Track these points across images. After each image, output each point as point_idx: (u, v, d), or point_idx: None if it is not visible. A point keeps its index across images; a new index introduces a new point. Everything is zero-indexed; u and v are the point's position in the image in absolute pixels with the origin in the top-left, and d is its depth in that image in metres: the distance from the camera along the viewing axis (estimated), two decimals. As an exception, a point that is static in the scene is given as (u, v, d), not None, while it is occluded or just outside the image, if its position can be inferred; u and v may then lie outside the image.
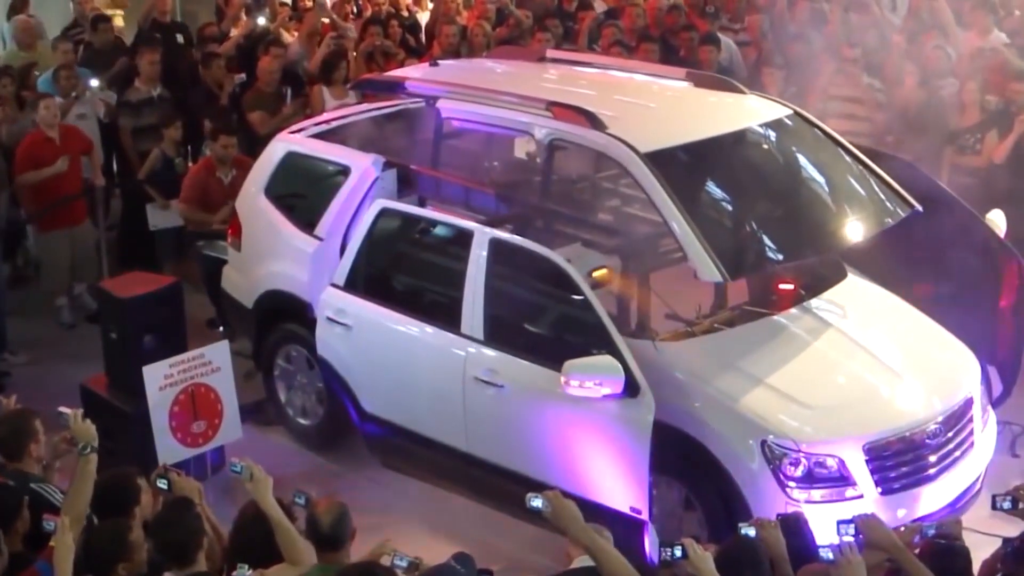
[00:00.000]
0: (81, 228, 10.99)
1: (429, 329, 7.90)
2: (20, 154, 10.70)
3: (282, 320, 9.01)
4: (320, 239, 8.65)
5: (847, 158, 8.27)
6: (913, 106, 10.71)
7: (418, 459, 8.18)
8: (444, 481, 8.15)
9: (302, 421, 9.08)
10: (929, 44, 11.51)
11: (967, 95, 10.53)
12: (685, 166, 7.79)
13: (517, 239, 7.58)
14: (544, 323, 7.70)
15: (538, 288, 7.65)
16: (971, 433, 7.49)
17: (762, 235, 7.72)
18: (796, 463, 6.90)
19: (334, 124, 9.44)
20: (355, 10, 13.99)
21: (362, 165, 8.54)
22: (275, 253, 9.02)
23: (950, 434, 7.30)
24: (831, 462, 6.92)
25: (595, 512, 6.83)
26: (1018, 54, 11.45)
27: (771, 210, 7.86)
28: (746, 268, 7.62)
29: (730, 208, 7.95)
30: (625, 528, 6.89)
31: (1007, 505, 5.64)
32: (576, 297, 7.21)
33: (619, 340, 6.97)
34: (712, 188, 7.92)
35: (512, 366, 7.48)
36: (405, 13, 13.96)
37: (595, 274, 7.72)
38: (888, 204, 8.06)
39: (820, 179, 8.24)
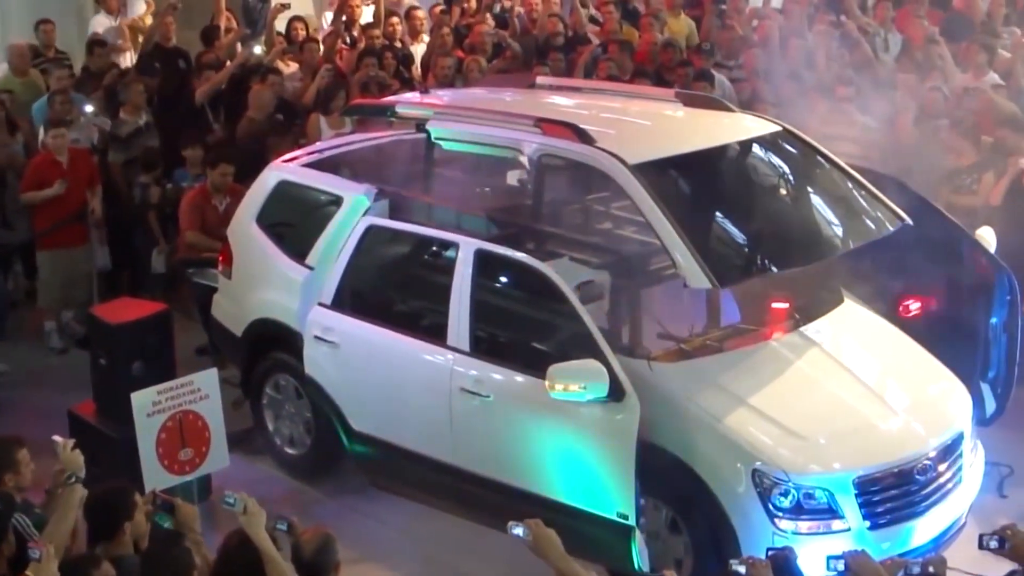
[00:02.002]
0: (78, 251, 10.99)
1: (416, 343, 7.90)
2: (27, 173, 10.89)
3: (271, 349, 8.98)
4: (311, 268, 8.63)
5: (837, 172, 8.28)
6: (907, 145, 10.72)
7: (406, 475, 8.15)
8: (432, 497, 8.12)
9: (289, 451, 9.03)
10: (927, 85, 11.54)
11: (962, 135, 10.54)
12: (673, 178, 7.80)
13: (501, 249, 7.59)
14: (530, 332, 7.70)
15: (523, 298, 7.66)
16: (960, 468, 7.47)
17: (751, 245, 7.71)
18: (786, 493, 6.88)
19: (327, 153, 9.45)
20: (348, 41, 13.99)
21: (354, 195, 8.54)
22: (266, 282, 9.00)
23: (940, 468, 7.28)
24: (821, 494, 6.89)
25: (582, 519, 6.90)
26: (1009, 96, 11.49)
27: (761, 221, 7.86)
28: (735, 276, 7.57)
29: (719, 218, 7.89)
30: (613, 534, 6.89)
31: (994, 544, 5.62)
32: (561, 305, 7.21)
33: (604, 345, 6.97)
34: (701, 199, 7.92)
35: (498, 376, 7.49)
36: (399, 45, 13.98)
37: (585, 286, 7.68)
38: (878, 217, 8.06)
39: (809, 191, 8.26)
